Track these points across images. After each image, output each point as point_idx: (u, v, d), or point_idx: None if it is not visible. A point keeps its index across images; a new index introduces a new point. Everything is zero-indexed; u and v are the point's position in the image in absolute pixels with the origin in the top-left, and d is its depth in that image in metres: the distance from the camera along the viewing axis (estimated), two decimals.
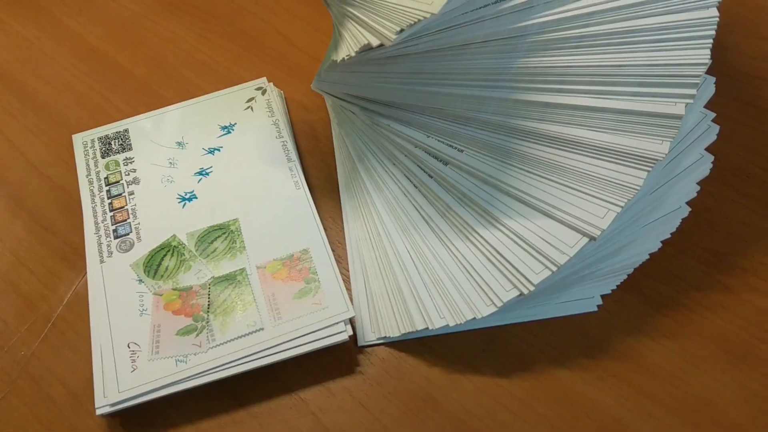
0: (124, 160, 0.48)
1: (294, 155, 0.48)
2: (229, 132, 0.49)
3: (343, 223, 0.46)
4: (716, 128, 0.43)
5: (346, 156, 0.48)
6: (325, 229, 0.45)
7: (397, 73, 0.40)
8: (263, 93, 0.52)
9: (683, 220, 0.42)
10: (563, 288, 0.41)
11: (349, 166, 0.48)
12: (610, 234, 0.39)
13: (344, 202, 0.47)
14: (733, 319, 0.40)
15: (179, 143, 0.49)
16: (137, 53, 0.58)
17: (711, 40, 0.38)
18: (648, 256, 0.41)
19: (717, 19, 0.38)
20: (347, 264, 0.45)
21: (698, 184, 0.42)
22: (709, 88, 0.43)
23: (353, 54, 0.36)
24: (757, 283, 0.41)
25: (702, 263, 0.42)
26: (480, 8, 0.37)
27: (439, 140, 0.42)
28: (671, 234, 0.41)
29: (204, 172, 0.47)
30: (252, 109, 0.51)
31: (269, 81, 0.53)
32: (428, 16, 0.33)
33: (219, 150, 0.48)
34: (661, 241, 0.41)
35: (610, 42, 0.38)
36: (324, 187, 0.49)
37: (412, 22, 0.34)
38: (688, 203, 0.42)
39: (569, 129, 0.39)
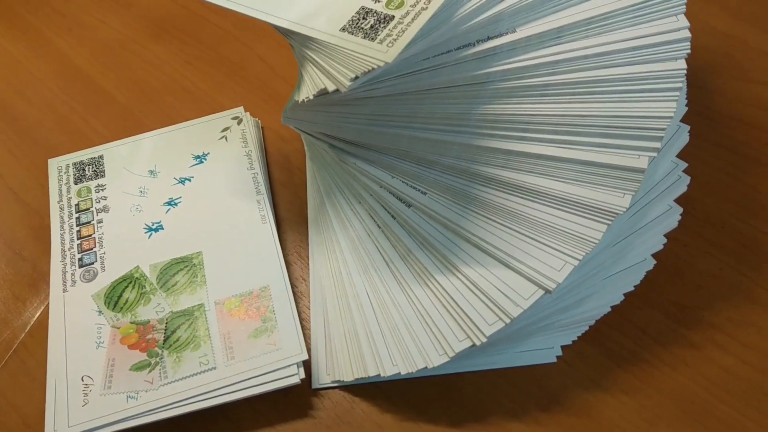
0: (96, 187, 0.49)
1: (264, 188, 0.47)
2: (202, 162, 0.49)
3: (309, 258, 0.46)
4: (687, 179, 0.42)
5: (317, 190, 0.48)
6: (290, 264, 0.44)
7: (361, 115, 0.40)
8: (239, 122, 0.51)
9: (651, 270, 0.41)
10: (522, 337, 0.41)
11: (318, 200, 0.47)
12: (570, 285, 0.39)
13: (311, 238, 0.47)
14: (695, 377, 0.39)
15: (151, 172, 0.49)
16: (121, 77, 0.58)
17: (678, 93, 0.37)
18: (610, 309, 0.40)
19: (684, 71, 0.37)
20: (309, 301, 0.44)
21: (668, 234, 0.41)
22: (683, 137, 0.43)
23: (311, 97, 0.36)
24: (723, 339, 0.40)
25: (667, 317, 0.41)
26: (441, 54, 0.37)
27: (403, 181, 0.41)
28: (635, 286, 0.40)
29: (173, 203, 0.47)
30: (226, 138, 0.51)
31: (248, 109, 0.53)
32: (382, 64, 0.33)
33: (190, 180, 0.48)
34: (626, 293, 0.40)
35: (575, 91, 0.38)
36: (294, 220, 0.48)
37: (367, 70, 0.33)
38: (656, 254, 0.41)
39: (531, 177, 0.38)
